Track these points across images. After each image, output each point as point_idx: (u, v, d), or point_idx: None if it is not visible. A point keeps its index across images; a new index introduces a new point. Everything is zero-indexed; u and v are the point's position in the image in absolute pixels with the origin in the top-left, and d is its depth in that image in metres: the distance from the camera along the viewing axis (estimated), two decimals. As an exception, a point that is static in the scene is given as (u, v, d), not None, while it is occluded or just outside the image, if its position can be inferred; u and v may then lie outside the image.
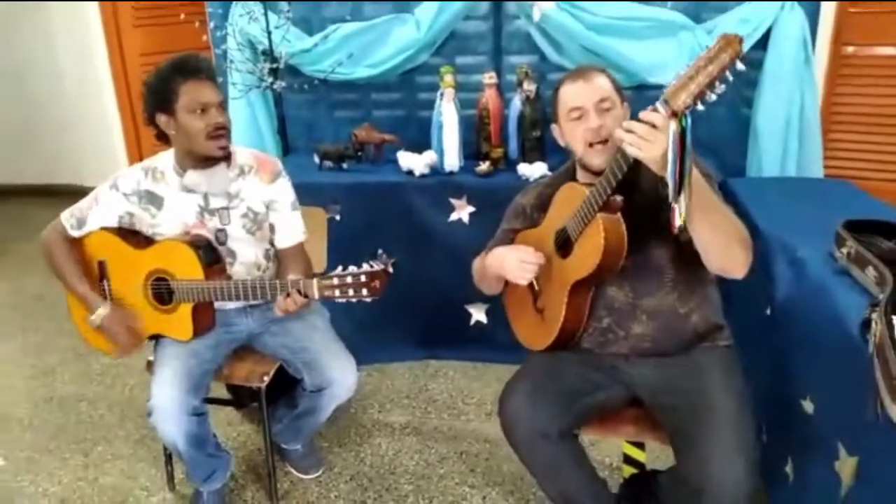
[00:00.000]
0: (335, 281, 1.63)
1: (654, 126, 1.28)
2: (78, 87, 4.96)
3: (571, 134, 1.62)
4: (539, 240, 1.71)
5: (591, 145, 1.58)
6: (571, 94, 1.60)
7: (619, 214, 1.50)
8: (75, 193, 2.21)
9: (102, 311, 1.85)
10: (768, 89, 2.63)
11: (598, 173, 1.53)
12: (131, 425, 2.53)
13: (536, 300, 1.76)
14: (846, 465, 1.30)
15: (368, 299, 1.63)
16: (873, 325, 1.25)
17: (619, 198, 1.48)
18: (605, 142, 1.56)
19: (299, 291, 1.68)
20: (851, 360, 1.32)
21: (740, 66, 1.21)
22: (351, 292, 1.63)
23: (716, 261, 1.48)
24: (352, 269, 1.63)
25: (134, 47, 4.76)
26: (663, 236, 1.56)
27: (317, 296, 1.67)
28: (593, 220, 1.51)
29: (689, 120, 1.27)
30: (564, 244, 1.63)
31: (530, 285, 1.75)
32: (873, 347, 1.22)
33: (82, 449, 2.42)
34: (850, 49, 3.62)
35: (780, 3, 2.53)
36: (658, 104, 1.29)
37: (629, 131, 1.32)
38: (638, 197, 1.55)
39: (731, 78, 1.22)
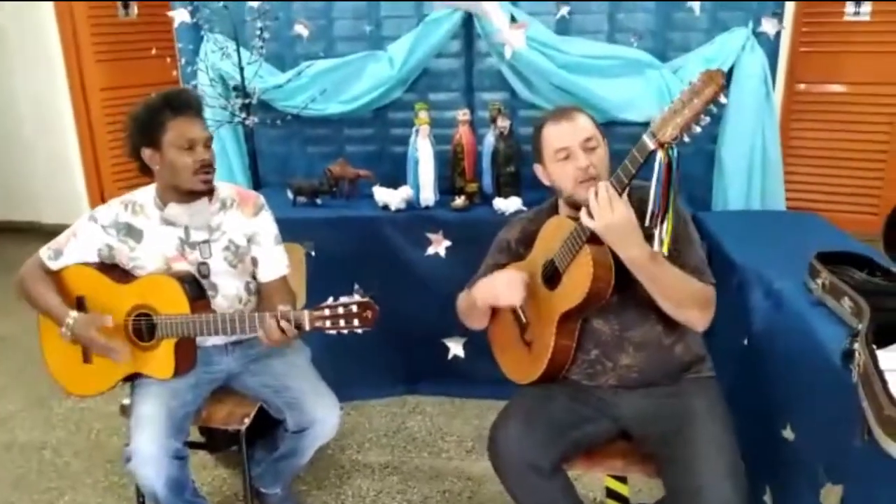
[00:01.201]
0: (326, 312, 1.62)
1: (609, 200, 1.42)
2: (37, 122, 4.85)
3: (560, 174, 1.64)
4: (526, 273, 1.71)
5: (581, 182, 1.60)
6: (556, 136, 1.63)
7: (606, 246, 1.52)
8: (34, 231, 2.16)
9: (70, 320, 1.79)
10: (732, 125, 2.73)
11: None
12: (99, 472, 2.44)
13: (524, 333, 1.77)
14: (831, 494, 1.33)
15: (360, 330, 1.61)
16: (856, 355, 1.29)
17: None
18: (594, 178, 1.59)
19: (289, 321, 1.66)
20: (832, 389, 1.35)
21: (723, 99, 1.29)
22: (342, 323, 1.62)
23: (673, 317, 1.58)
24: (343, 299, 1.62)
25: (95, 82, 4.69)
26: None
27: (307, 327, 1.65)
28: (581, 251, 1.54)
29: (676, 151, 1.35)
30: (552, 277, 1.65)
31: (517, 317, 1.76)
32: (857, 377, 1.26)
33: (47, 499, 2.31)
34: (803, 86, 3.81)
35: (742, 42, 2.63)
36: (645, 136, 1.36)
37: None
38: None
39: (714, 110, 1.30)
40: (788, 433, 1.57)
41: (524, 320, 1.75)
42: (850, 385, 1.27)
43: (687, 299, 1.54)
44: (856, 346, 1.31)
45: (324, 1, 2.89)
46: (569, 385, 1.71)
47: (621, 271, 1.53)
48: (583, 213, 1.47)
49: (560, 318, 1.62)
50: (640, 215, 1.47)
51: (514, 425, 1.62)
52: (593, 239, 1.51)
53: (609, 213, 1.42)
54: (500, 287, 1.67)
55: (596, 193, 1.44)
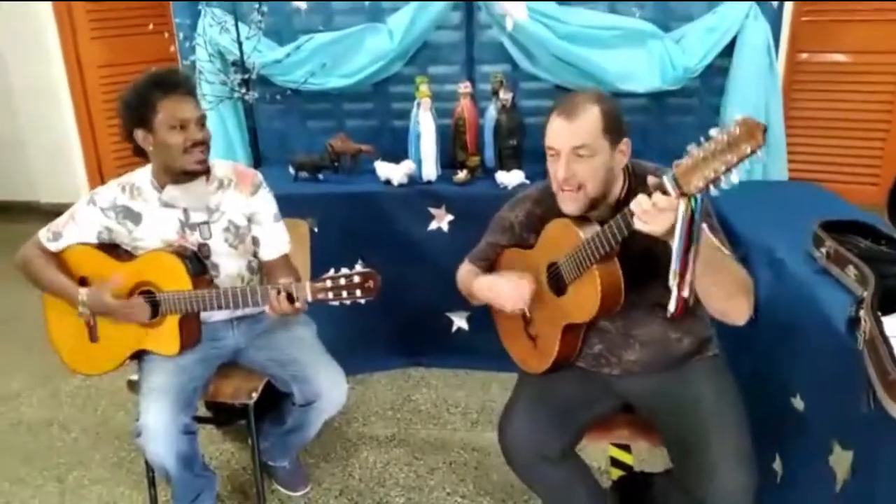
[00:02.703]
0: (328, 283, 1.62)
1: (659, 209, 1.24)
2: (33, 101, 4.80)
3: (549, 169, 1.54)
4: (530, 266, 1.68)
5: (562, 189, 1.51)
6: (551, 133, 1.51)
7: (615, 260, 1.48)
8: (31, 211, 2.15)
9: (83, 297, 1.80)
10: (735, 95, 2.71)
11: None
12: (108, 448, 2.46)
13: (527, 325, 1.76)
14: (841, 460, 1.34)
15: (363, 301, 1.62)
16: (862, 322, 1.30)
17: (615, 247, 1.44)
18: (578, 189, 1.49)
19: (291, 295, 1.66)
20: (840, 356, 1.36)
21: (760, 154, 1.11)
22: (345, 294, 1.61)
23: (717, 311, 1.46)
24: (344, 270, 1.62)
25: (92, 59, 4.64)
26: (657, 276, 1.45)
27: (310, 298, 1.65)
28: (589, 272, 1.49)
29: (699, 201, 1.21)
30: (557, 280, 1.61)
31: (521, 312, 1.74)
32: (863, 344, 1.27)
33: (56, 475, 2.34)
34: (804, 56, 3.77)
35: (745, 12, 2.61)
36: (666, 181, 1.21)
37: (639, 204, 1.27)
38: (632, 238, 1.42)
39: (748, 165, 1.15)
40: (798, 402, 1.58)
41: (528, 315, 1.74)
42: (856, 352, 1.28)
43: (740, 287, 1.42)
44: (861, 313, 1.31)
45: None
46: (574, 369, 1.70)
47: (632, 274, 1.49)
48: (634, 221, 1.30)
49: (565, 327, 1.61)
50: None
51: (520, 416, 1.62)
52: (603, 258, 1.45)
53: (659, 219, 1.25)
54: (507, 294, 1.64)
55: (642, 204, 1.27)
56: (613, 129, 1.48)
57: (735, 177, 1.14)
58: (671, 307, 1.29)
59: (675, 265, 1.26)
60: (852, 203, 2.21)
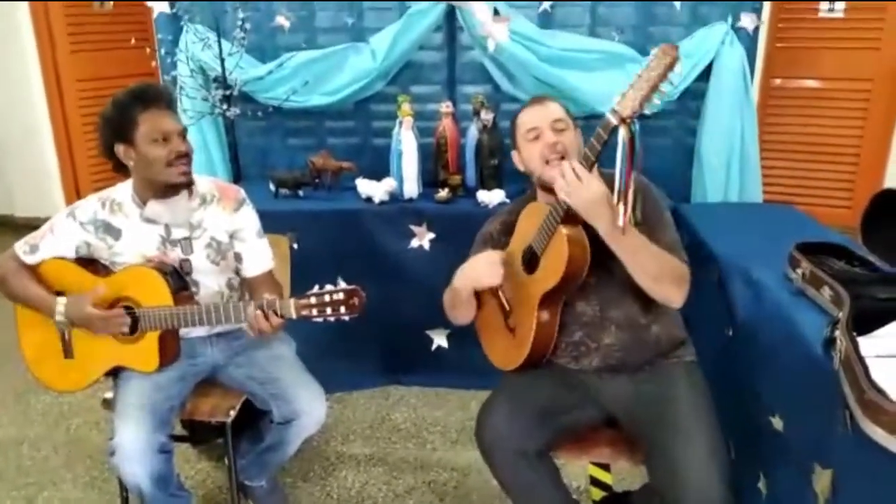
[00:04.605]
0: (312, 300, 1.62)
1: (578, 176, 1.46)
2: (11, 114, 4.74)
3: (529, 154, 1.71)
4: (507, 261, 1.74)
5: (548, 162, 1.67)
6: (528, 118, 1.72)
7: (580, 226, 1.57)
8: (6, 224, 2.12)
9: (61, 306, 1.77)
10: (711, 119, 2.77)
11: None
12: (80, 467, 2.40)
13: (507, 319, 1.78)
14: (822, 479, 1.35)
15: (347, 317, 1.62)
16: (838, 342, 1.32)
17: None
18: (561, 158, 1.64)
19: (276, 312, 1.65)
20: (816, 376, 1.38)
21: (678, 69, 1.36)
22: (329, 311, 1.62)
23: (650, 291, 1.59)
24: (329, 287, 1.62)
25: (71, 73, 4.59)
26: None
27: (294, 315, 1.64)
28: (556, 233, 1.58)
29: (638, 126, 1.43)
30: (531, 261, 1.68)
31: (500, 305, 1.78)
32: (839, 364, 1.29)
33: (25, 496, 2.28)
34: (778, 81, 3.87)
35: (721, 38, 2.67)
36: (608, 113, 1.43)
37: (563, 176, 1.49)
38: None
39: (673, 83, 1.39)
40: (777, 421, 1.60)
41: (507, 307, 1.77)
42: (832, 372, 1.30)
43: (664, 274, 1.57)
44: (836, 333, 1.34)
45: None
46: (555, 370, 1.74)
47: (599, 251, 1.57)
48: (557, 189, 1.51)
49: (541, 300, 1.65)
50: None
51: (500, 411, 1.65)
52: (567, 219, 1.56)
53: (581, 187, 1.46)
54: (481, 268, 1.71)
55: (564, 172, 1.49)
56: (570, 115, 1.75)
57: (657, 100, 1.38)
58: (619, 222, 1.48)
59: (618, 185, 1.46)
60: (825, 225, 2.26)
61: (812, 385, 1.41)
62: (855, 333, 1.31)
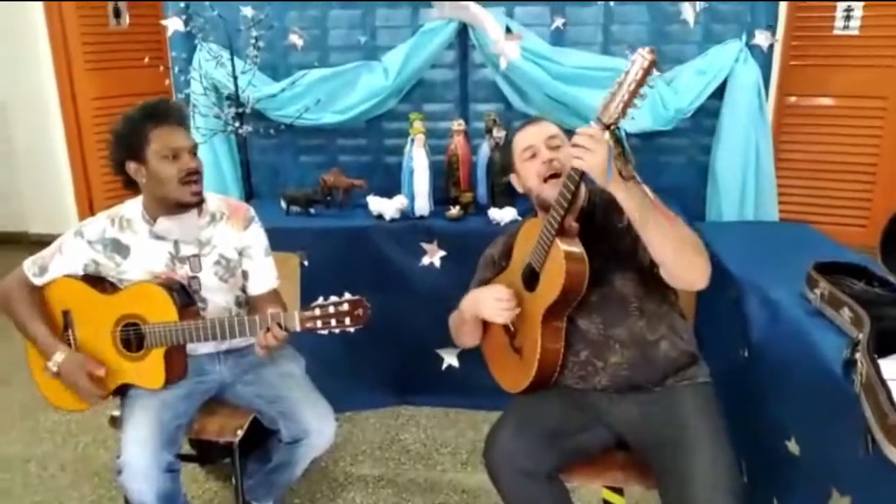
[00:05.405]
0: (317, 311, 1.61)
1: (590, 136, 1.39)
2: (27, 131, 4.80)
3: (527, 173, 1.71)
4: (508, 282, 1.74)
5: (545, 180, 1.66)
6: (523, 137, 1.73)
7: (576, 238, 1.57)
8: (20, 240, 2.12)
9: (59, 356, 1.77)
10: (725, 137, 2.74)
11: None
12: (86, 486, 2.39)
13: (513, 340, 1.76)
14: (839, 506, 1.32)
15: (352, 329, 1.60)
16: (858, 364, 1.28)
17: (574, 224, 1.59)
18: (557, 175, 1.64)
19: (280, 325, 1.64)
20: (835, 399, 1.35)
21: (656, 72, 1.38)
22: (334, 322, 1.60)
23: (673, 268, 1.48)
24: (333, 298, 1.60)
25: (86, 91, 4.65)
26: (625, 267, 1.65)
27: (298, 328, 1.63)
28: (553, 246, 1.57)
29: (623, 131, 1.45)
30: (531, 279, 1.67)
31: (505, 326, 1.76)
32: (860, 387, 1.25)
33: (32, 514, 2.27)
34: (793, 99, 3.83)
35: (735, 55, 2.65)
36: (593, 123, 1.41)
37: (574, 146, 1.43)
38: (596, 230, 1.65)
39: (651, 86, 1.36)
40: (793, 445, 1.56)
41: (512, 328, 1.75)
42: (852, 395, 1.26)
43: (685, 242, 1.46)
44: (857, 355, 1.30)
45: (318, 10, 2.89)
46: (563, 391, 1.71)
47: (599, 268, 1.57)
48: (569, 156, 1.44)
49: (543, 316, 1.63)
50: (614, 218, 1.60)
51: (508, 432, 1.63)
52: (563, 231, 1.55)
53: (593, 152, 1.37)
54: (487, 304, 1.69)
55: (575, 140, 1.42)
56: (565, 132, 1.72)
57: (639, 102, 1.36)
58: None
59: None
60: (841, 243, 2.22)
61: (830, 408, 1.38)
62: (876, 355, 1.28)
